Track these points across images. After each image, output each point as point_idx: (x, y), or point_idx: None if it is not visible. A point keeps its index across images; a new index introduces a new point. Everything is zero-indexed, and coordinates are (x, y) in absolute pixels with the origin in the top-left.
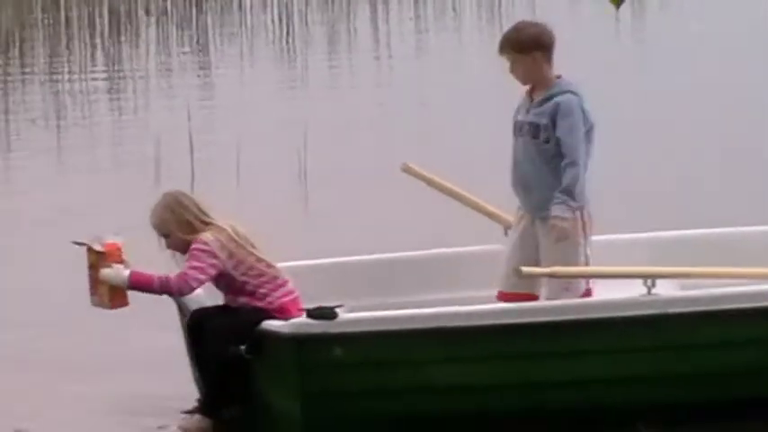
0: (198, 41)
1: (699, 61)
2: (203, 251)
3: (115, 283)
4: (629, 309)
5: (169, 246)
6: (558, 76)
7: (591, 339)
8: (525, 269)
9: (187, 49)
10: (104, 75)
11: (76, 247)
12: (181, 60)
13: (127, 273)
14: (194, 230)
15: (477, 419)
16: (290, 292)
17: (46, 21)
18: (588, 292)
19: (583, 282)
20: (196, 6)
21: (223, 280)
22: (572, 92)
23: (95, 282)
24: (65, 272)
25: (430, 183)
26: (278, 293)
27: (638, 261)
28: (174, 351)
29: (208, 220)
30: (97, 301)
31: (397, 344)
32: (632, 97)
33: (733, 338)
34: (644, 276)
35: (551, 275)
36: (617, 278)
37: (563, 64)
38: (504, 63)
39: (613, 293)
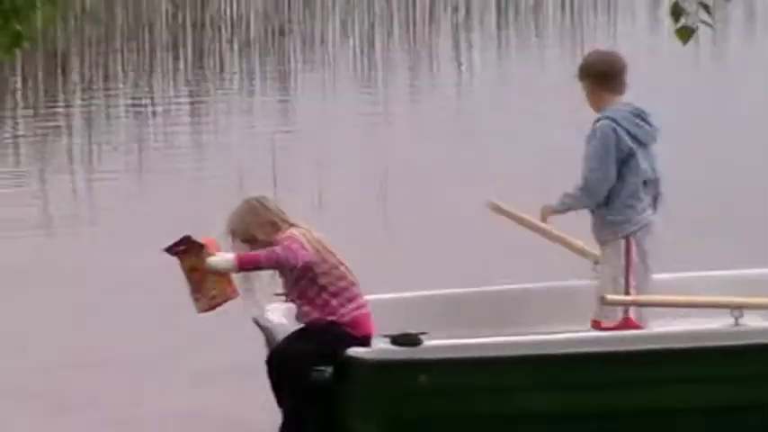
0: (280, 71)
1: None
2: (294, 239)
3: (223, 267)
4: (718, 339)
5: (252, 250)
6: (626, 104)
7: (677, 369)
8: (609, 297)
9: (269, 78)
10: (187, 103)
11: (167, 256)
12: (263, 90)
13: (231, 255)
14: (278, 231)
15: None
16: (363, 306)
17: (130, 50)
18: (626, 323)
19: (619, 311)
20: (279, 36)
21: (304, 278)
22: (609, 117)
23: (198, 283)
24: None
25: (517, 220)
26: (352, 305)
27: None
28: (246, 374)
29: (291, 221)
30: (204, 304)
31: (481, 371)
32: (698, 125)
33: None
34: (731, 307)
35: (633, 304)
36: (704, 308)
37: (633, 91)
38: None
39: (660, 326)
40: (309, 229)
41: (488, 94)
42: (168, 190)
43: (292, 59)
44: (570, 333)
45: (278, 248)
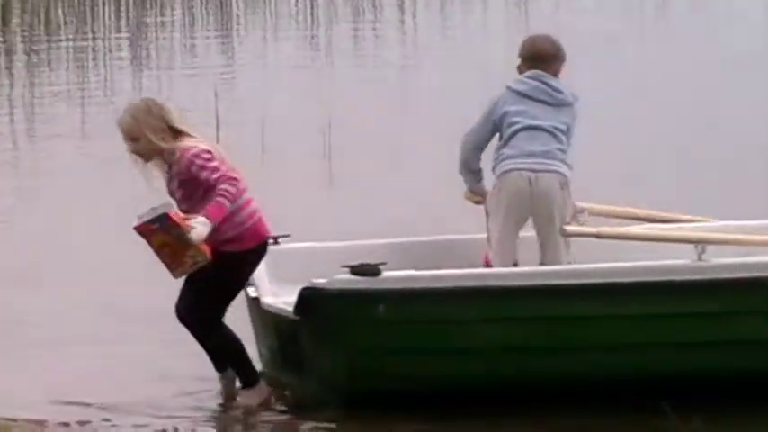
0: (222, 17)
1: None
2: (210, 158)
3: (206, 234)
4: (681, 274)
5: (133, 150)
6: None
7: (637, 304)
8: (569, 228)
9: (212, 24)
10: (129, 51)
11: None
12: (205, 36)
13: (202, 218)
14: (176, 138)
15: (517, 381)
16: (257, 211)
17: None
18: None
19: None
20: None
21: (209, 193)
22: (507, 86)
23: (173, 254)
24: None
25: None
26: (254, 215)
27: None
28: None
29: (188, 131)
30: (185, 269)
31: (439, 302)
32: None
33: None
34: (694, 241)
35: (597, 236)
36: (666, 242)
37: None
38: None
39: None
40: (212, 143)
41: (431, 42)
42: (108, 133)
43: (234, 6)
44: (531, 267)
45: (227, 186)
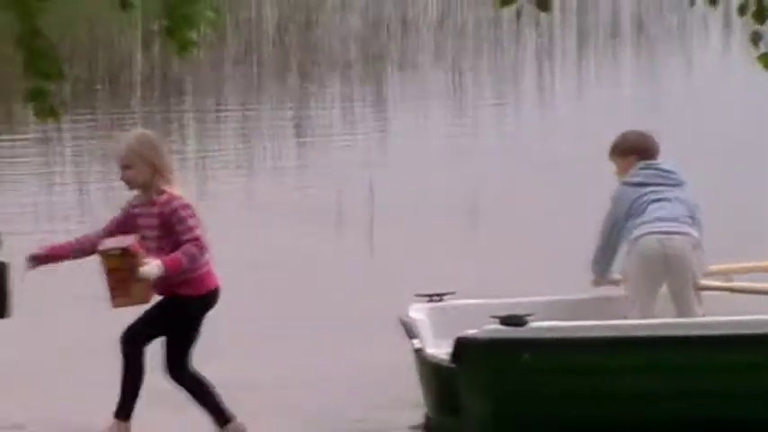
0: (377, 95)
1: None
2: (192, 215)
3: (155, 275)
4: None
5: (123, 177)
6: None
7: None
8: (702, 282)
9: (368, 102)
10: (292, 123)
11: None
12: (362, 111)
13: (159, 262)
14: (158, 178)
15: (661, 429)
16: (208, 263)
17: (237, 73)
18: None
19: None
20: (376, 60)
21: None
22: (623, 182)
23: (120, 281)
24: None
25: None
26: (205, 267)
27: None
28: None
29: (173, 179)
30: (124, 302)
31: (581, 351)
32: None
33: None
34: None
35: (730, 290)
36: None
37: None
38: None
39: None
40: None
41: (572, 118)
42: (271, 212)
43: (389, 83)
44: (675, 319)
45: (192, 248)
